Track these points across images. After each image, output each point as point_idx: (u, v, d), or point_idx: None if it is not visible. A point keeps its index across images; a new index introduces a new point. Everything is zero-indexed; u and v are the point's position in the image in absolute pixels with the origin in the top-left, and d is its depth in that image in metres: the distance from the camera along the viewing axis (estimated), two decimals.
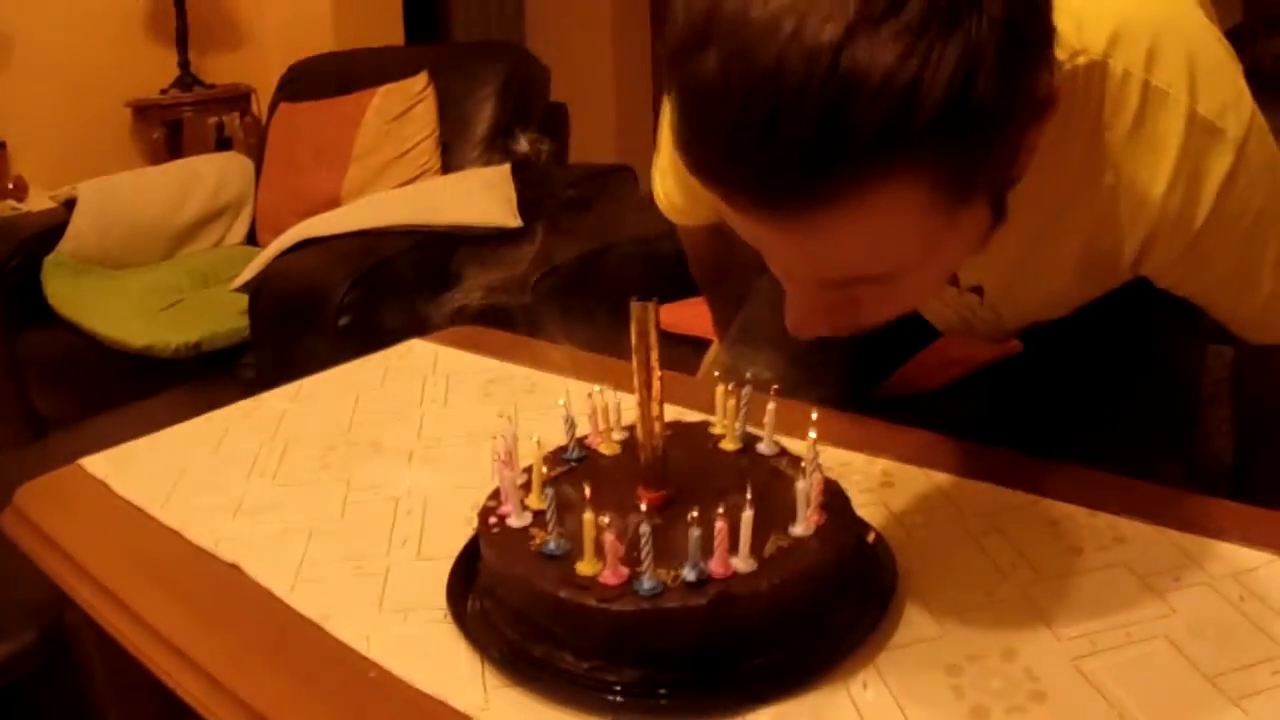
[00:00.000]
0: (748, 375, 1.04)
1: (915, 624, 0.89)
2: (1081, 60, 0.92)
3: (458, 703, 0.84)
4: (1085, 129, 0.95)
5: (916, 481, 1.12)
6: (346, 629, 0.95)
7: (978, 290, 1.20)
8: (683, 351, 1.81)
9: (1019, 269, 1.12)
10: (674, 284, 1.78)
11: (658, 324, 0.87)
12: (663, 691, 0.82)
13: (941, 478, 1.12)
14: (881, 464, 1.15)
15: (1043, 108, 0.78)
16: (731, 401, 1.02)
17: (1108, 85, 0.93)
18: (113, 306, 2.79)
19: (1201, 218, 0.97)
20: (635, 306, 0.86)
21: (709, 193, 0.78)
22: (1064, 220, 1.04)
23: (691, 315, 2.06)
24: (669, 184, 1.41)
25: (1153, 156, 0.95)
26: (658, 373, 0.89)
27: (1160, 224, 0.99)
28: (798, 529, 0.86)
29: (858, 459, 1.16)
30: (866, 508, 1.03)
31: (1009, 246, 1.00)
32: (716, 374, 1.08)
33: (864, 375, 1.53)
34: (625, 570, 0.82)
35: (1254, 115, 0.96)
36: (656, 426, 0.90)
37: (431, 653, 0.90)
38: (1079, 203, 1.01)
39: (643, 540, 0.80)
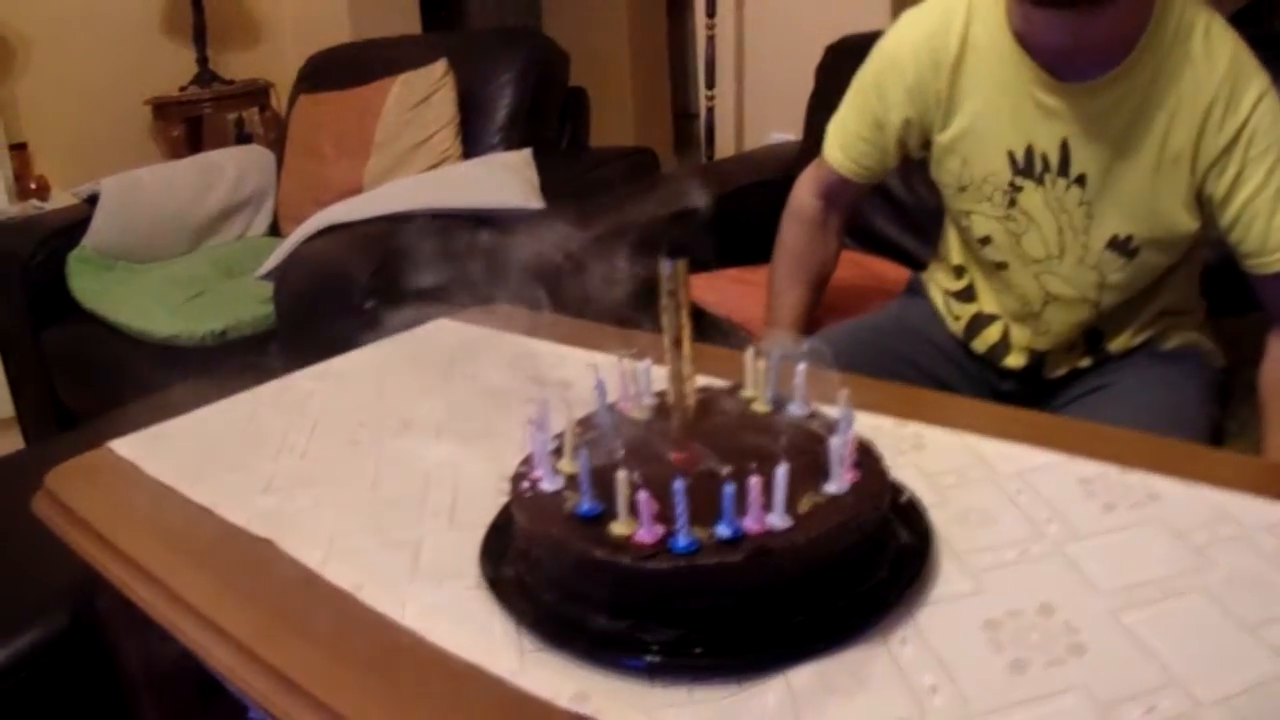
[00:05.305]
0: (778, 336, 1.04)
1: (951, 580, 0.89)
2: None
3: (494, 667, 0.84)
4: (1165, 39, 1.35)
5: (947, 443, 1.11)
6: (380, 598, 0.95)
7: (1081, 182, 1.44)
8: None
9: (1119, 147, 1.40)
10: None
11: (687, 283, 0.87)
12: (699, 651, 0.81)
13: (972, 439, 1.11)
14: (912, 427, 1.15)
15: None
16: (762, 363, 1.01)
17: (1185, 10, 1.34)
18: (137, 299, 2.79)
19: (1246, 107, 1.33)
20: (665, 265, 0.86)
21: None
22: (1154, 102, 1.37)
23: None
24: (846, 115, 1.66)
25: (1210, 64, 1.34)
26: (688, 331, 0.88)
27: (1213, 104, 1.34)
28: (832, 486, 0.86)
29: (887, 422, 1.16)
30: (899, 470, 1.02)
31: (1114, 122, 1.39)
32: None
33: None
34: (660, 529, 0.81)
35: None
36: (688, 386, 0.90)
37: (466, 619, 0.90)
38: (1166, 89, 1.36)
39: (677, 498, 0.79)
